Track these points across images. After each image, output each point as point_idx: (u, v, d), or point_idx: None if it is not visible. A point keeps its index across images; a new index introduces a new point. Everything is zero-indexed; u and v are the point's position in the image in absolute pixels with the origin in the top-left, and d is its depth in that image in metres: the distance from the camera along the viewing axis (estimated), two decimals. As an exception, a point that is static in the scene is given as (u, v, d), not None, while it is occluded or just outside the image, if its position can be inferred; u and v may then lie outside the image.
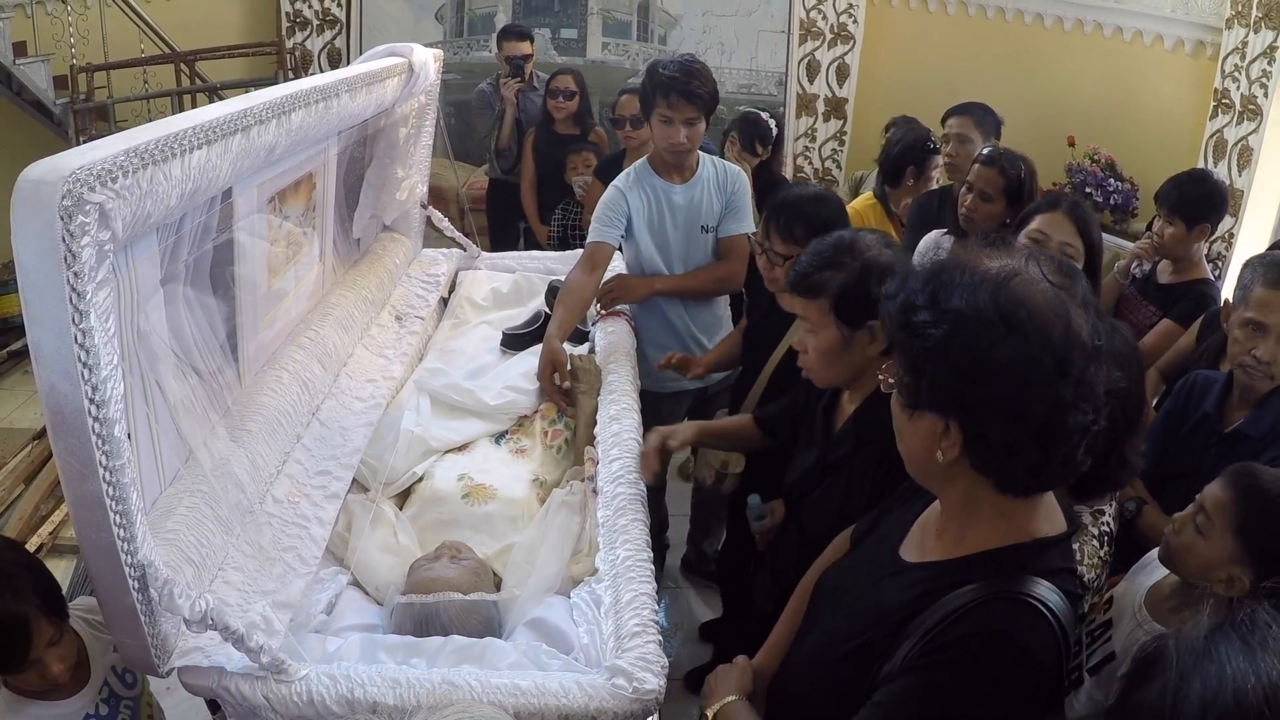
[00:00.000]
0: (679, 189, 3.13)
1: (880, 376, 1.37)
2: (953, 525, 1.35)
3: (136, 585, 1.58)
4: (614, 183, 3.20)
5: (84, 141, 5.32)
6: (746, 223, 3.21)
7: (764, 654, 1.76)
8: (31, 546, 3.87)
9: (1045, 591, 1.24)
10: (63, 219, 1.32)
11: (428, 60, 2.99)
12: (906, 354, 1.28)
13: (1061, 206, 2.61)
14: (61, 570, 3.81)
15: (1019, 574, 1.25)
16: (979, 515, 1.31)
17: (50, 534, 4.00)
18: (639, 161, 3.22)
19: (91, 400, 1.42)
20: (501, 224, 5.23)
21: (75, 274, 1.36)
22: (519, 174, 5.03)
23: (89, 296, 1.39)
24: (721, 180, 3.17)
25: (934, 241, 3.44)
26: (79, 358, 1.39)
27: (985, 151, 3.25)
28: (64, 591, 3.53)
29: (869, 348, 1.96)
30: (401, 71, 2.81)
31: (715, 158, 3.24)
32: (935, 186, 4.00)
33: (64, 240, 1.33)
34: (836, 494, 2.03)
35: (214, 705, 1.82)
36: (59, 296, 1.35)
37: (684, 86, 2.90)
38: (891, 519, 1.55)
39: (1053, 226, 2.56)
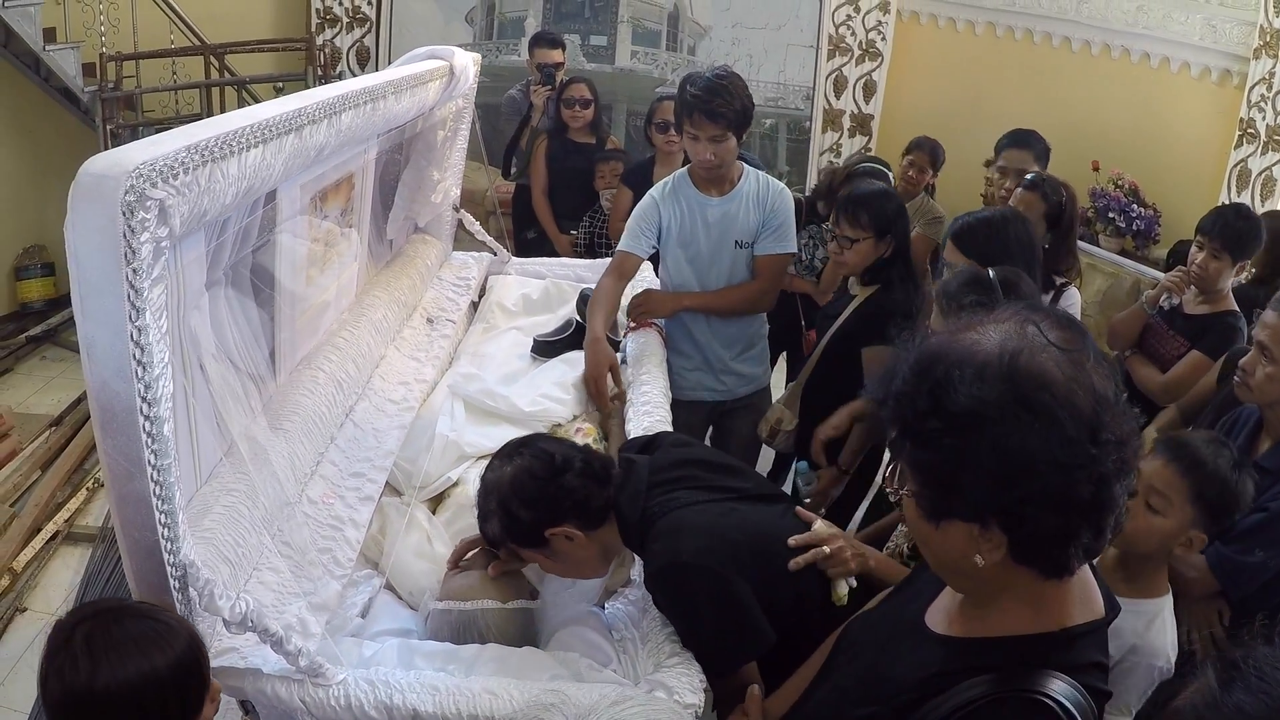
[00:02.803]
0: (715, 202, 3.10)
1: (888, 490, 1.27)
2: (983, 607, 1.26)
3: (177, 585, 1.58)
4: (650, 192, 3.18)
5: (110, 130, 5.34)
6: (786, 243, 3.15)
7: (779, 696, 1.69)
8: (47, 533, 3.88)
9: (1063, 688, 1.14)
10: (125, 214, 1.32)
11: (468, 64, 3.00)
12: (921, 468, 1.18)
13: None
14: (77, 558, 3.83)
15: (1039, 668, 1.17)
16: (1011, 600, 1.22)
17: (66, 521, 4.01)
18: (679, 172, 3.20)
19: (144, 399, 1.42)
20: (527, 229, 5.20)
21: (134, 270, 1.35)
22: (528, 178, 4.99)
23: (145, 293, 1.39)
24: (762, 196, 3.11)
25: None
26: (134, 355, 1.39)
27: (1028, 178, 3.29)
28: (81, 579, 3.57)
29: (569, 546, 1.95)
30: (443, 75, 2.82)
31: (761, 173, 3.20)
32: None
33: (125, 236, 1.33)
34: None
35: (245, 706, 1.81)
36: (117, 293, 1.34)
37: (706, 106, 2.88)
38: (929, 575, 1.43)
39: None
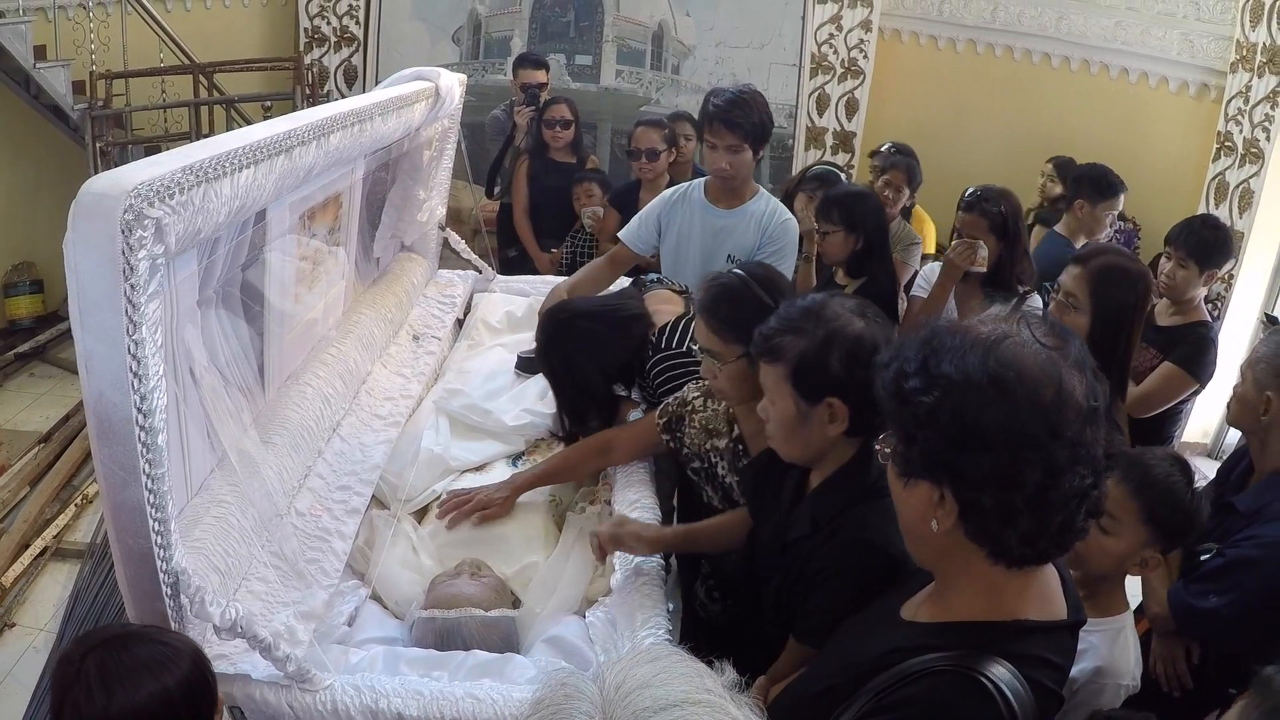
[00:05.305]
0: (720, 213, 3.19)
1: (876, 448, 1.34)
2: (944, 591, 1.35)
3: (169, 592, 1.62)
4: (663, 192, 3.32)
5: (100, 148, 5.37)
6: (782, 269, 3.08)
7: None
8: (35, 549, 3.89)
9: (1003, 674, 1.21)
10: (124, 232, 1.37)
11: (454, 85, 3.05)
12: (899, 422, 1.27)
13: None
14: (65, 574, 3.84)
15: (983, 651, 1.23)
16: (967, 585, 1.30)
17: (55, 537, 4.02)
18: (698, 180, 3.31)
19: (139, 409, 1.47)
20: (510, 248, 5.24)
21: (132, 286, 1.41)
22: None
23: (142, 308, 1.44)
24: (766, 219, 3.17)
25: (932, 271, 3.51)
26: (130, 368, 1.44)
27: (966, 197, 3.33)
28: (70, 595, 3.57)
29: (828, 427, 1.77)
30: (429, 95, 2.87)
31: (774, 200, 3.26)
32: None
33: (124, 253, 1.38)
34: (796, 581, 1.82)
35: (234, 711, 1.85)
36: (116, 308, 1.40)
37: (725, 116, 2.99)
38: (916, 578, 1.50)
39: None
